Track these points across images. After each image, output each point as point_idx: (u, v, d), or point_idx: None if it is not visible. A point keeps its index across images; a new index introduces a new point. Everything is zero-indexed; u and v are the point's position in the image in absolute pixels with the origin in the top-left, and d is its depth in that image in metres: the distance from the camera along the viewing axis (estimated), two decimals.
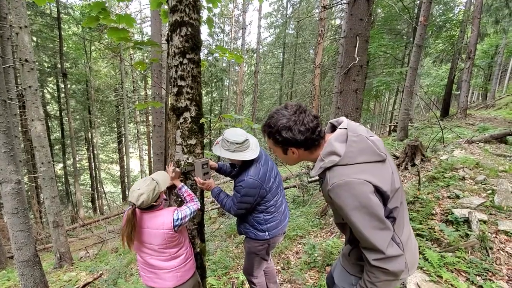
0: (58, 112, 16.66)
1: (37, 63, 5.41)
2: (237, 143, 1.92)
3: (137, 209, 1.70)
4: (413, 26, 10.76)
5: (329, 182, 1.04)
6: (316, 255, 3.32)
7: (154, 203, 1.73)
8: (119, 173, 21.74)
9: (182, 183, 2.00)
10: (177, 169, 2.01)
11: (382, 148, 1.07)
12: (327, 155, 1.06)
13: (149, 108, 18.63)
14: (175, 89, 1.99)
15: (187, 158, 2.08)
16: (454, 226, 2.97)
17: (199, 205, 1.90)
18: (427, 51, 14.76)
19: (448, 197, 3.56)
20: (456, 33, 13.27)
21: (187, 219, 1.77)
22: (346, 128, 1.10)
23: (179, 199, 2.05)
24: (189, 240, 2.01)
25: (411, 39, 12.35)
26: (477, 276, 2.32)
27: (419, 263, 2.47)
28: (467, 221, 2.95)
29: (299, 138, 1.06)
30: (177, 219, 1.72)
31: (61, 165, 17.65)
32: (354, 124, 1.12)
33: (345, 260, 1.35)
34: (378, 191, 0.99)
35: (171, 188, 2.06)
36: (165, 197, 2.00)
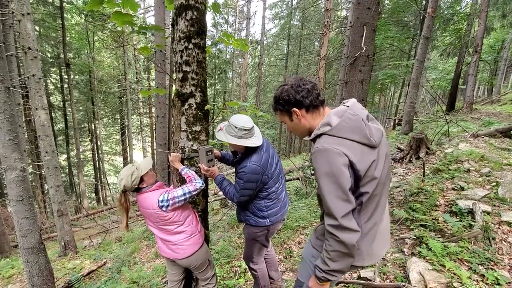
0: (61, 103, 16.68)
1: (40, 53, 5.38)
2: (245, 130, 1.91)
3: (134, 192, 1.90)
4: (420, 17, 10.56)
5: (314, 147, 1.15)
6: None
7: (140, 186, 1.90)
8: (122, 165, 21.90)
9: (183, 166, 2.01)
10: (176, 153, 2.03)
11: (376, 136, 1.12)
12: (323, 125, 1.15)
13: (152, 99, 18.64)
14: (180, 75, 1.97)
15: (192, 145, 2.08)
16: (458, 217, 2.96)
17: (199, 185, 1.92)
18: (434, 44, 14.52)
19: (453, 188, 3.55)
20: (463, 27, 13.03)
21: (177, 200, 1.84)
22: (348, 106, 1.16)
23: (182, 179, 2.08)
24: (194, 217, 2.06)
25: (418, 31, 12.14)
26: (480, 265, 2.32)
27: (421, 252, 2.48)
28: (471, 212, 2.94)
29: (298, 97, 1.17)
30: (162, 200, 1.83)
31: (65, 156, 17.77)
32: (358, 106, 1.16)
33: (313, 235, 1.46)
34: (352, 167, 1.05)
35: (176, 172, 2.10)
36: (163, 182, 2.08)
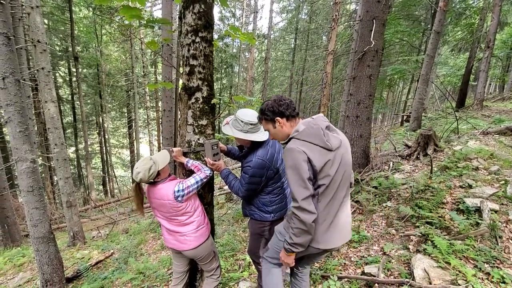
0: (70, 96, 16.89)
1: (49, 46, 5.44)
2: (251, 124, 1.92)
3: (144, 183, 1.92)
4: (432, 11, 10.32)
5: (286, 147, 1.49)
6: None
7: (156, 179, 1.92)
8: (129, 158, 22.15)
9: (187, 158, 2.04)
10: (178, 148, 2.05)
11: (332, 142, 1.42)
12: (294, 131, 1.50)
13: (159, 93, 18.72)
14: (187, 69, 1.97)
15: (198, 139, 2.09)
16: (465, 215, 2.93)
17: (208, 172, 1.97)
18: (445, 39, 14.19)
19: (460, 186, 3.50)
20: (475, 21, 12.68)
21: (191, 188, 1.89)
22: (313, 118, 1.50)
23: (187, 172, 2.10)
24: (202, 209, 2.09)
25: (429, 26, 11.87)
26: (485, 264, 2.30)
27: (427, 250, 2.47)
28: (478, 210, 2.91)
29: (281, 109, 1.50)
30: (178, 190, 1.86)
31: (73, 148, 18.06)
32: (321, 119, 1.50)
33: (285, 218, 1.86)
34: (310, 162, 1.36)
35: (181, 165, 2.12)
36: (174, 175, 2.11)
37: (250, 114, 1.95)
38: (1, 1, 3.06)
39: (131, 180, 21.14)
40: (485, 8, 11.84)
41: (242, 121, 1.93)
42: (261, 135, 1.97)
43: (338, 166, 1.44)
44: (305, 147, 1.38)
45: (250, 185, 1.97)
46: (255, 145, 2.02)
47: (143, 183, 1.95)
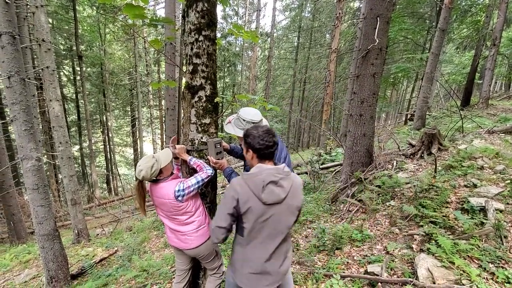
0: (74, 95, 17.01)
1: (53, 45, 5.48)
2: (253, 123, 1.91)
3: (146, 181, 1.93)
4: (437, 8, 10.21)
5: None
6: (325, 239, 3.34)
7: (158, 177, 1.93)
8: (132, 156, 22.28)
9: (190, 156, 2.04)
10: (181, 145, 2.05)
11: (268, 197, 1.47)
12: (251, 170, 1.57)
13: (162, 92, 18.77)
14: (191, 67, 1.97)
15: (201, 137, 2.09)
16: (469, 214, 2.91)
17: (210, 171, 1.97)
18: (451, 37, 14.03)
19: (465, 185, 3.47)
20: (481, 18, 12.52)
21: (192, 188, 1.89)
22: (266, 169, 1.53)
23: (191, 171, 2.10)
24: (204, 209, 2.10)
25: (434, 23, 11.75)
26: (490, 264, 2.29)
27: (430, 249, 2.46)
28: (483, 210, 2.89)
29: (257, 146, 1.54)
30: (179, 190, 1.87)
31: (77, 146, 18.21)
32: (272, 172, 1.52)
33: None
34: (238, 202, 1.48)
35: (184, 163, 2.13)
36: (174, 171, 2.13)
37: (252, 113, 1.95)
38: (6, 0, 3.09)
39: (134, 178, 21.26)
40: (491, 5, 11.69)
41: (244, 120, 1.93)
42: None
43: (267, 217, 1.51)
44: (242, 188, 1.49)
45: None
46: None
47: (145, 181, 1.96)
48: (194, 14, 1.87)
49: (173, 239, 2.06)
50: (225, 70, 21.00)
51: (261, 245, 1.56)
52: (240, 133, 1.95)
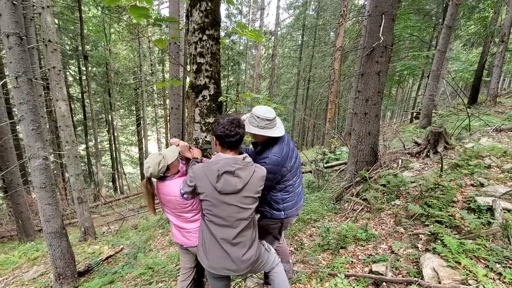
0: (80, 94, 17.20)
1: (59, 45, 5.54)
2: (267, 120, 1.91)
3: (154, 179, 1.96)
4: (443, 5, 10.07)
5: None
6: (330, 237, 3.33)
7: (166, 174, 1.96)
8: (137, 155, 22.45)
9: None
10: (184, 142, 2.06)
11: (223, 185, 1.56)
12: (214, 157, 1.71)
13: (167, 91, 18.86)
14: (194, 67, 1.98)
15: (205, 136, 2.10)
16: (476, 214, 2.87)
17: None
18: (457, 34, 13.82)
19: (472, 185, 3.43)
20: (489, 15, 12.30)
21: None
22: (223, 158, 1.62)
23: None
24: None
25: (440, 20, 11.60)
26: (497, 264, 2.26)
27: (436, 249, 2.44)
28: (490, 209, 2.85)
29: (220, 134, 1.61)
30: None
31: (83, 145, 18.41)
32: (229, 162, 1.60)
33: None
34: (194, 186, 1.61)
35: (187, 161, 2.13)
36: (182, 167, 2.14)
37: (265, 111, 1.95)
38: (14, 1, 3.13)
39: (140, 177, 21.45)
40: (499, 1, 11.48)
41: (258, 117, 1.92)
42: (277, 131, 1.96)
43: (223, 206, 1.59)
44: (199, 174, 1.59)
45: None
46: (270, 142, 2.02)
47: (153, 179, 1.98)
48: (198, 13, 1.87)
49: (178, 236, 2.08)
50: (229, 69, 20.98)
51: (221, 229, 1.63)
52: (254, 130, 1.94)
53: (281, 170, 1.95)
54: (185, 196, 1.88)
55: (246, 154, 1.66)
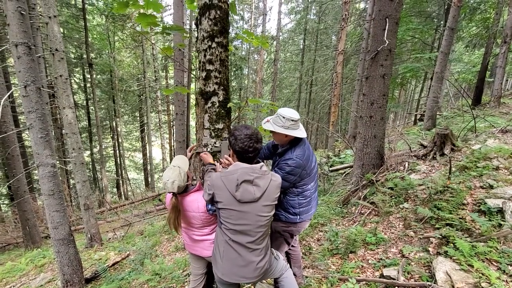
0: (84, 102, 17.36)
1: (65, 54, 5.63)
2: (292, 120, 1.93)
3: (179, 192, 1.88)
4: (444, 7, 10.09)
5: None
6: (338, 242, 3.31)
7: (186, 183, 1.90)
8: (142, 161, 22.53)
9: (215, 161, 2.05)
10: (206, 152, 2.06)
11: (242, 195, 1.56)
12: (230, 166, 1.69)
13: (171, 97, 18.99)
14: (204, 74, 2.00)
15: (215, 142, 2.12)
16: (486, 216, 2.84)
17: None
18: (460, 35, 13.82)
19: (481, 187, 3.40)
20: (491, 16, 12.30)
21: None
22: (242, 168, 1.62)
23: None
24: None
25: (442, 22, 11.61)
26: (509, 266, 2.24)
27: (448, 252, 2.41)
28: (500, 211, 2.82)
29: (235, 148, 1.65)
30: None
31: (88, 152, 18.52)
32: (247, 171, 1.60)
33: None
34: (213, 194, 1.62)
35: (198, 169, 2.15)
36: (194, 177, 2.10)
37: (291, 111, 1.98)
38: (22, 11, 3.18)
39: (143, 183, 21.51)
40: (501, 2, 11.48)
41: (283, 117, 1.94)
42: (300, 132, 1.99)
43: (242, 215, 1.59)
44: (218, 182, 1.59)
45: (283, 182, 1.97)
46: (293, 144, 2.04)
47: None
48: (207, 21, 1.90)
49: (195, 247, 2.03)
50: (232, 74, 21.11)
51: (238, 237, 1.62)
52: (280, 130, 1.96)
53: (301, 172, 1.98)
54: (210, 212, 1.85)
55: (262, 163, 1.67)
